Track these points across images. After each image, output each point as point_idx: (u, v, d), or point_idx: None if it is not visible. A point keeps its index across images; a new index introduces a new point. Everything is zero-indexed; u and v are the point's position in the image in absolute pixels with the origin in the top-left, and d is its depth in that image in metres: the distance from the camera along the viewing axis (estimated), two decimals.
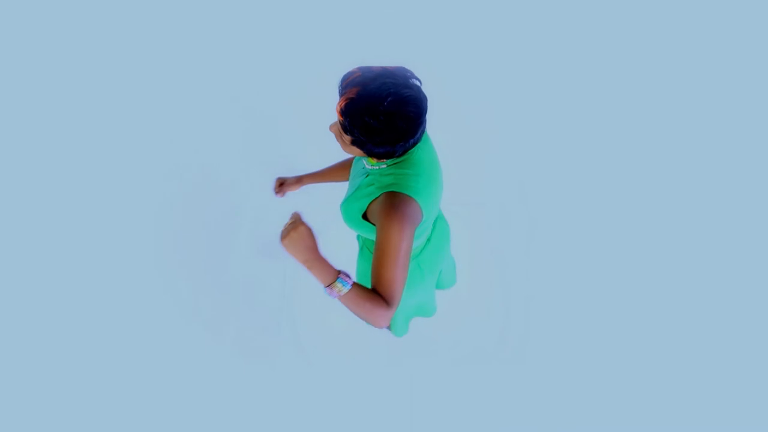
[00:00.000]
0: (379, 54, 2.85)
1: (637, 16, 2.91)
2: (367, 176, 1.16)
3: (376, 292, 1.01)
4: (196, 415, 2.11)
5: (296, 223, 1.01)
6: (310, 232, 1.01)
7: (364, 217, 1.15)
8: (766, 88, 2.72)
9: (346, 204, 1.17)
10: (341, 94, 0.99)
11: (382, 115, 0.95)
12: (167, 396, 2.13)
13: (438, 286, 1.80)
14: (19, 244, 2.40)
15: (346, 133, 1.02)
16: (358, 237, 1.51)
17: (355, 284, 1.01)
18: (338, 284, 0.99)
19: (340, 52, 2.86)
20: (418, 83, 1.00)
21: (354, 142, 1.02)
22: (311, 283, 2.35)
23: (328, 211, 2.49)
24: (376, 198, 1.08)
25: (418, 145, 1.12)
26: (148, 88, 2.79)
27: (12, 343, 2.22)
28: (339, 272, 1.01)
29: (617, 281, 2.37)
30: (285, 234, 1.00)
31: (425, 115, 0.98)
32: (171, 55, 2.86)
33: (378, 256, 1.01)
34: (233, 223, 2.48)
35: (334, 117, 2.71)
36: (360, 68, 0.99)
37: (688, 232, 2.45)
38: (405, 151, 1.04)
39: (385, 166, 1.12)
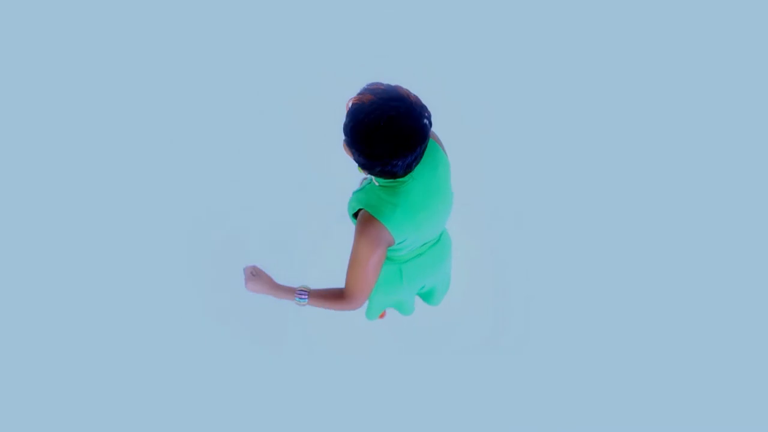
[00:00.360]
0: (379, 54, 2.85)
1: (630, 18, 2.90)
2: (369, 182, 1.24)
3: (341, 290, 1.25)
4: (207, 400, 2.17)
5: (251, 272, 1.30)
6: (263, 274, 1.31)
7: (355, 215, 1.26)
8: (763, 89, 2.72)
9: (352, 197, 1.26)
10: (357, 94, 1.03)
11: (375, 131, 0.99)
12: (181, 380, 2.19)
13: (424, 298, 1.84)
14: (50, 230, 2.45)
15: (344, 131, 1.07)
16: None
17: (311, 294, 1.26)
18: (297, 301, 1.26)
19: (342, 53, 2.87)
20: (427, 124, 1.04)
21: (346, 142, 1.06)
22: (315, 278, 2.40)
23: (330, 211, 2.53)
24: (361, 208, 1.19)
25: (416, 176, 1.17)
26: (158, 90, 2.81)
27: (37, 322, 2.28)
28: (296, 291, 1.27)
29: (617, 280, 2.39)
30: (246, 282, 1.29)
31: (413, 154, 1.03)
32: (172, 56, 2.87)
33: (349, 263, 1.21)
34: (242, 220, 2.52)
35: (336, 118, 2.72)
36: (391, 84, 1.04)
37: (685, 231, 2.47)
38: (386, 175, 1.08)
39: (377, 184, 1.18)
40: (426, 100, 2.75)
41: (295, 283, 2.40)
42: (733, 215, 2.48)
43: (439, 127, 2.71)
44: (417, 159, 1.06)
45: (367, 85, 1.04)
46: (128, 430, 2.15)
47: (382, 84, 1.04)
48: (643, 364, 2.25)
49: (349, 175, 2.59)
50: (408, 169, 1.06)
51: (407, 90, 1.04)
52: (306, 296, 1.26)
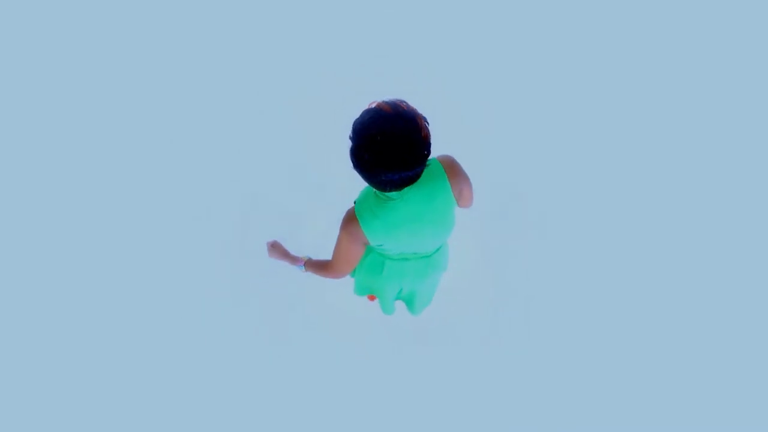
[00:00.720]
0: (379, 54, 2.85)
1: (630, 18, 2.91)
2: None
3: (327, 262, 1.47)
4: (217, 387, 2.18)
5: (272, 245, 1.61)
6: (280, 246, 1.61)
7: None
8: (765, 88, 2.72)
9: (364, 188, 1.40)
10: (383, 100, 1.09)
11: (370, 137, 1.06)
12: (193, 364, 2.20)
13: (405, 303, 1.91)
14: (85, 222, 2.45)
15: (352, 124, 1.13)
16: None
17: (308, 263, 1.52)
18: (299, 268, 1.55)
19: (342, 53, 2.87)
20: (420, 161, 1.08)
21: (351, 137, 1.13)
22: (315, 276, 2.41)
23: (331, 211, 2.53)
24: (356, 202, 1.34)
25: (407, 200, 1.25)
26: (164, 91, 2.81)
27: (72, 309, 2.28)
28: (299, 260, 1.55)
29: (616, 280, 2.39)
30: (268, 252, 1.62)
31: (391, 176, 1.09)
32: (173, 57, 2.88)
33: (335, 243, 1.51)
34: (242, 220, 2.52)
35: (336, 118, 2.73)
36: (415, 108, 1.10)
37: (682, 231, 2.47)
38: (364, 178, 1.13)
39: (373, 190, 1.27)
40: (426, 100, 2.76)
41: (298, 276, 2.45)
42: (730, 215, 2.48)
43: (439, 127, 2.72)
44: (395, 184, 1.11)
45: (396, 99, 1.10)
46: (148, 406, 2.16)
47: (408, 105, 1.08)
48: (643, 363, 2.25)
49: (349, 174, 2.59)
50: (380, 186, 1.12)
51: (425, 126, 1.09)
52: (303, 266, 1.53)
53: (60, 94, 2.76)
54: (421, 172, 1.12)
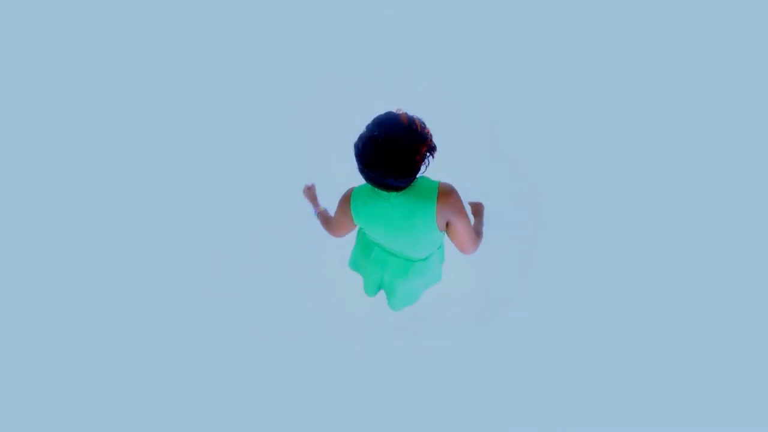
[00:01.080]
0: (379, 54, 2.86)
1: (632, 19, 2.91)
2: None
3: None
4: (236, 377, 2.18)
5: (308, 187, 1.76)
6: (314, 190, 1.76)
7: None
8: (765, 88, 2.72)
9: None
10: (406, 111, 1.23)
11: (372, 135, 1.17)
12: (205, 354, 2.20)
13: (386, 294, 1.96)
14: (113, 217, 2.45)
15: None
16: None
17: (320, 214, 1.67)
18: (313, 214, 1.79)
19: (342, 53, 2.88)
20: (402, 173, 1.18)
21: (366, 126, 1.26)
22: (315, 270, 2.41)
23: (333, 211, 2.53)
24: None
25: (393, 204, 1.35)
26: (166, 91, 2.82)
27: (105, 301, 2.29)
28: (317, 208, 1.71)
29: (617, 281, 2.39)
30: (304, 190, 1.77)
31: (367, 175, 1.21)
32: (174, 57, 2.88)
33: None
34: (241, 219, 2.53)
35: (335, 118, 2.73)
36: (429, 134, 1.20)
37: (684, 233, 2.47)
38: (360, 170, 1.26)
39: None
40: (426, 100, 2.76)
41: (297, 276, 2.46)
42: (728, 216, 2.48)
43: (439, 127, 2.72)
44: (374, 182, 1.23)
45: (419, 118, 1.20)
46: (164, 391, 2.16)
47: (424, 128, 1.18)
48: (643, 363, 2.24)
49: (349, 174, 2.59)
50: (364, 177, 1.24)
51: (426, 153, 1.18)
52: (317, 214, 1.69)
53: (61, 95, 2.77)
54: (402, 187, 1.23)
